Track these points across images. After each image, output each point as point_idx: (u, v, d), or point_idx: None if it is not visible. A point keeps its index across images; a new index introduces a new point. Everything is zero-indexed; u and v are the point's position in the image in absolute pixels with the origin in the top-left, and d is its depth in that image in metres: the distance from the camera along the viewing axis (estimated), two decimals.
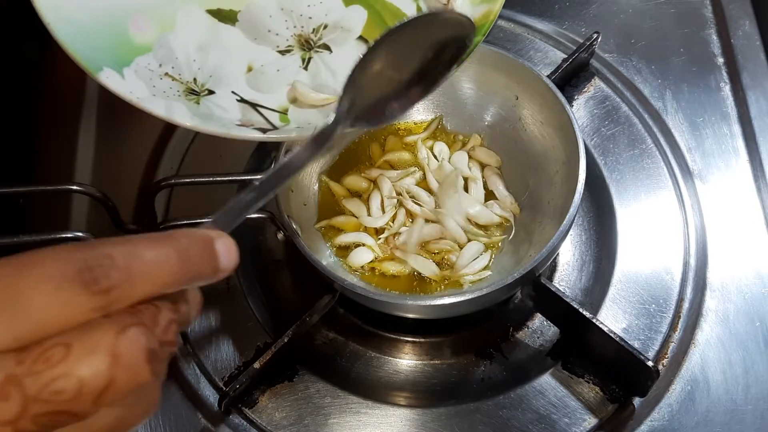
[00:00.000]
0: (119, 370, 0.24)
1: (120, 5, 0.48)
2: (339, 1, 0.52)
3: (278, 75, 0.50)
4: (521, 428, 0.52)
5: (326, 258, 0.55)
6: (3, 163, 0.63)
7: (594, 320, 0.50)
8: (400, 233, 0.56)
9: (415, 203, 0.57)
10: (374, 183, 0.59)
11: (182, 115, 0.44)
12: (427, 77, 0.43)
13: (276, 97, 0.49)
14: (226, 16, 0.51)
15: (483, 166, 0.60)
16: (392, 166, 0.60)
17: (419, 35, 0.42)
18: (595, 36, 0.65)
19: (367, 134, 0.62)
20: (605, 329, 0.50)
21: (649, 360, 0.48)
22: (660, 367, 0.54)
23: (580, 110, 0.67)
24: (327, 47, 0.51)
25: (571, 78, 0.68)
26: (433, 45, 0.43)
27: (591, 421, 0.52)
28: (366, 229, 0.57)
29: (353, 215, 0.58)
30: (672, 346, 0.55)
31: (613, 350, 0.50)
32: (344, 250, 0.56)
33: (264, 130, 0.45)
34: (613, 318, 0.56)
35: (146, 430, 0.53)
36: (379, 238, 0.56)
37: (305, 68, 0.50)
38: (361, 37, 0.50)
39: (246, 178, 0.61)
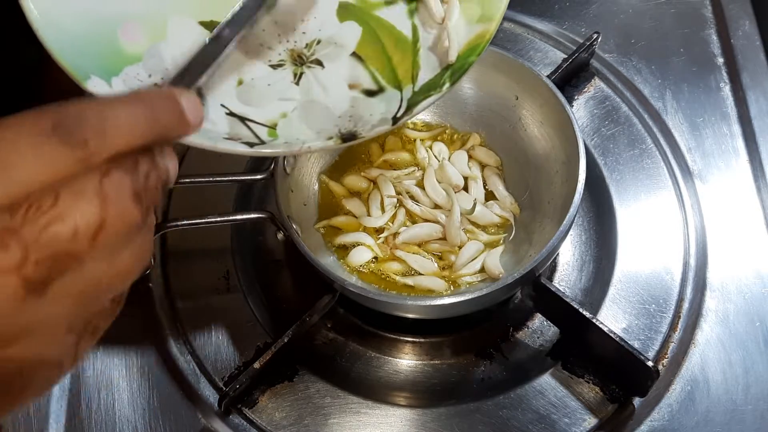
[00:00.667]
0: (108, 208, 0.25)
1: (111, 14, 0.47)
2: (333, 17, 0.51)
3: (269, 89, 0.49)
4: (521, 428, 0.52)
5: (326, 258, 0.55)
6: None
7: (594, 320, 0.50)
8: (399, 233, 0.56)
9: (415, 203, 0.57)
10: (374, 183, 0.59)
11: None
12: None
13: (266, 112, 0.48)
14: None
15: (483, 166, 0.60)
16: (392, 166, 0.60)
17: None
18: (595, 36, 0.65)
19: None
20: (605, 329, 0.50)
21: (649, 360, 0.48)
22: (660, 367, 0.54)
23: (580, 110, 0.67)
24: (319, 63, 0.50)
25: (571, 78, 0.68)
26: None
27: (591, 421, 0.52)
28: (366, 229, 0.57)
29: (353, 215, 0.58)
30: (672, 346, 0.55)
31: (613, 350, 0.50)
32: (344, 250, 0.56)
33: (251, 144, 0.45)
34: (613, 318, 0.56)
35: (146, 430, 0.53)
36: (379, 238, 0.56)
37: (297, 83, 0.50)
38: (354, 54, 0.50)
39: (246, 178, 0.61)
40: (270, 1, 0.43)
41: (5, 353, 0.25)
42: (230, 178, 0.59)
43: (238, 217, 0.57)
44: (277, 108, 0.48)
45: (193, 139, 0.43)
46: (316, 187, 0.59)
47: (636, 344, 0.54)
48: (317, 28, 0.51)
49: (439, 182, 0.58)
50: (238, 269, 0.60)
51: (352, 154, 0.61)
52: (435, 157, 0.60)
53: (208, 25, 0.50)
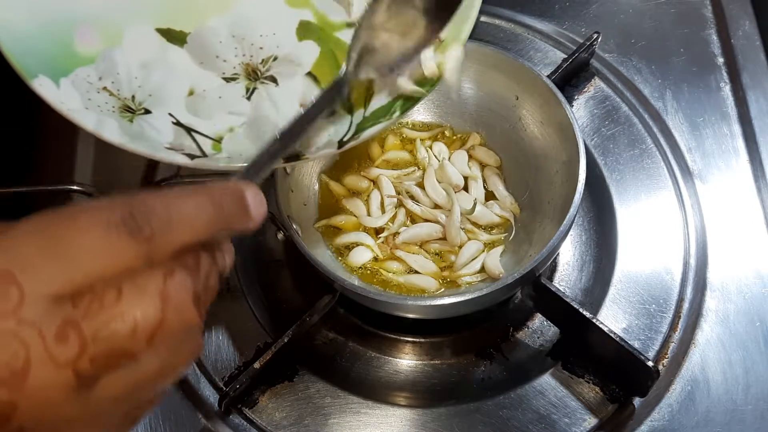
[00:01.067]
0: (169, 310, 0.25)
1: (69, 15, 0.46)
2: (293, 35, 0.51)
3: (219, 102, 0.49)
4: (521, 428, 0.52)
5: (326, 258, 0.55)
6: (3, 163, 0.63)
7: (594, 320, 0.50)
8: (399, 233, 0.56)
9: (415, 203, 0.57)
10: (374, 183, 0.59)
11: (112, 131, 0.44)
12: (430, 21, 0.44)
13: (213, 124, 0.48)
14: (176, 37, 0.50)
15: (483, 166, 0.60)
16: (391, 166, 0.60)
17: None
18: (595, 36, 0.65)
19: None
20: (605, 329, 0.50)
21: (649, 360, 0.48)
22: (660, 367, 0.54)
23: (580, 110, 0.67)
24: (273, 79, 0.49)
25: (571, 78, 0.68)
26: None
27: (591, 421, 0.52)
28: (365, 229, 0.57)
29: (353, 215, 0.58)
30: (672, 346, 0.55)
31: (613, 350, 0.50)
32: (344, 250, 0.56)
33: (192, 157, 0.44)
34: (613, 318, 0.56)
35: (146, 430, 0.53)
36: (379, 238, 0.56)
37: (248, 98, 0.49)
38: (310, 74, 0.50)
39: None
40: (342, 97, 0.42)
41: None
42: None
43: None
44: (225, 121, 0.48)
45: (134, 146, 0.43)
46: (316, 187, 0.59)
47: (636, 344, 0.53)
48: (275, 44, 0.51)
49: (439, 182, 0.58)
50: (238, 269, 0.60)
51: (352, 153, 0.61)
52: (435, 157, 0.60)
53: (165, 33, 0.49)
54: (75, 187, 0.56)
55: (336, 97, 0.41)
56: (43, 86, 0.43)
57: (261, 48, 0.50)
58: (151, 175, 0.65)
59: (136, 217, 0.25)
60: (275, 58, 0.50)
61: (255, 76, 0.50)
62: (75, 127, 0.67)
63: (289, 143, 0.38)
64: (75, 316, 0.24)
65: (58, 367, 0.23)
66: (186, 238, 0.27)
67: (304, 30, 0.51)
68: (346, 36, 0.51)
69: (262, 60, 0.50)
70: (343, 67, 0.42)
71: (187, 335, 0.27)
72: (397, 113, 0.45)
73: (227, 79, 0.49)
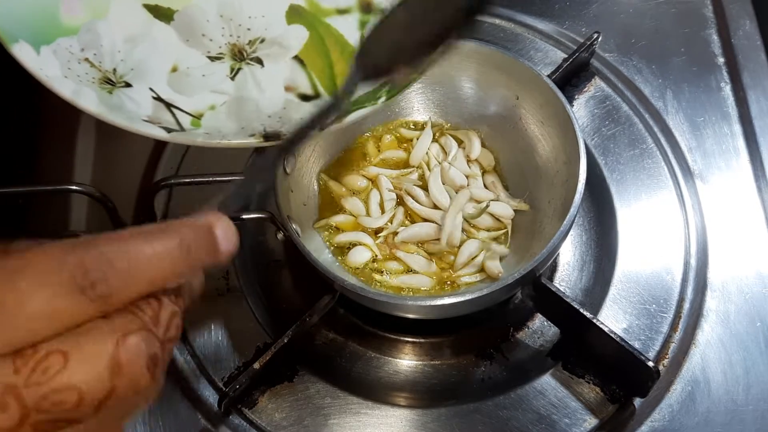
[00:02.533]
0: (119, 379, 0.23)
1: None
2: (282, 18, 0.50)
3: (202, 80, 0.49)
4: (521, 428, 0.52)
5: (326, 258, 0.55)
6: (3, 163, 0.63)
7: (594, 320, 0.50)
8: (398, 232, 0.56)
9: (415, 202, 0.57)
10: (373, 182, 0.59)
11: (89, 101, 0.43)
12: (436, 34, 0.40)
13: (194, 101, 0.47)
14: (163, 14, 0.50)
15: (483, 166, 0.60)
16: (389, 165, 0.60)
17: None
18: (595, 36, 0.65)
19: (366, 133, 0.61)
20: (605, 329, 0.50)
21: (649, 360, 0.48)
22: (660, 367, 0.54)
23: (580, 110, 0.66)
24: (259, 61, 0.49)
25: (572, 78, 0.68)
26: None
27: (591, 421, 0.52)
28: (365, 229, 0.57)
29: (352, 215, 0.58)
30: (672, 346, 0.55)
31: (613, 350, 0.50)
32: (344, 250, 0.56)
33: (169, 130, 0.44)
34: (613, 318, 0.56)
35: (146, 430, 0.53)
36: (378, 238, 0.56)
37: (232, 78, 0.49)
38: (296, 57, 0.50)
39: None
40: (341, 111, 0.39)
41: None
42: (230, 178, 0.59)
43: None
44: (206, 99, 0.48)
45: (111, 117, 0.43)
46: (316, 186, 0.59)
47: (636, 344, 0.53)
48: (264, 26, 0.50)
49: (442, 183, 0.58)
50: (238, 269, 0.60)
51: (351, 153, 0.61)
52: (434, 158, 0.60)
53: (153, 9, 0.49)
54: (74, 187, 0.55)
55: (332, 113, 0.38)
56: (22, 51, 0.43)
57: (249, 29, 0.50)
58: (151, 174, 0.65)
59: (89, 273, 0.23)
60: (262, 40, 0.50)
61: (241, 56, 0.50)
62: (75, 127, 0.68)
63: (268, 174, 0.36)
64: (16, 381, 0.22)
65: None
66: (147, 289, 0.25)
67: (294, 14, 0.51)
68: (336, 22, 0.51)
69: (249, 41, 0.50)
70: (345, 81, 0.41)
71: (137, 397, 0.25)
72: (383, 99, 0.45)
73: (212, 58, 0.50)
